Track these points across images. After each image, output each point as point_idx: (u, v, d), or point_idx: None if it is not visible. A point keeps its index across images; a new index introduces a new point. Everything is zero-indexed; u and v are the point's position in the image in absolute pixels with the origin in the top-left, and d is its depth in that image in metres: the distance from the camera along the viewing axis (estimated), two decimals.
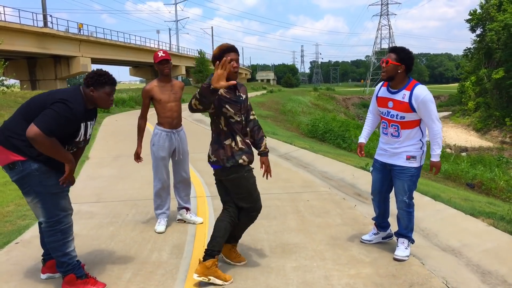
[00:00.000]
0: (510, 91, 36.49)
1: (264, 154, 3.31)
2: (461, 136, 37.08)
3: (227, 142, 3.10)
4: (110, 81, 2.93)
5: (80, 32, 36.84)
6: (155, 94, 4.19)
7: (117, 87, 3.13)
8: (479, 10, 42.61)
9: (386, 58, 3.40)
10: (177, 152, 4.37)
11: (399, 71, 3.35)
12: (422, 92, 3.30)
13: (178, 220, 4.58)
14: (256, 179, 3.27)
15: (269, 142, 11.17)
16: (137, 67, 57.06)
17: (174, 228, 4.38)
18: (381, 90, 3.58)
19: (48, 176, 2.85)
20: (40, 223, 3.07)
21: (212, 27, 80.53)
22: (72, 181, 2.97)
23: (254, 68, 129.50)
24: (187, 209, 4.54)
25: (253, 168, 3.24)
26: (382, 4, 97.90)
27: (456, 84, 61.87)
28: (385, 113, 3.51)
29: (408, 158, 3.44)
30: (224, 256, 3.43)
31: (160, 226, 4.30)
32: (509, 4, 38.17)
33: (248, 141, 3.22)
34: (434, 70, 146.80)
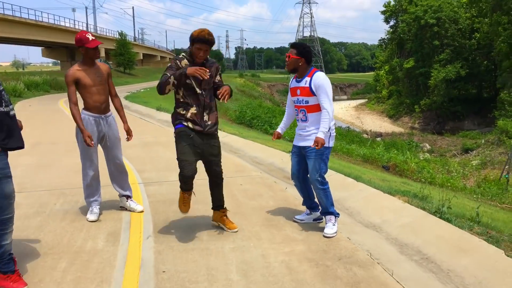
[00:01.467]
0: (419, 80, 39.68)
1: (223, 85, 3.70)
2: (376, 122, 39.75)
3: (179, 109, 3.61)
4: None
5: None
6: (81, 78, 4.00)
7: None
8: (392, 2, 45.49)
9: (288, 53, 3.84)
10: (107, 138, 4.23)
11: (300, 64, 3.80)
12: (319, 76, 3.75)
13: (120, 207, 4.49)
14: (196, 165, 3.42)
15: None
16: (50, 48, 53.05)
17: (108, 216, 4.29)
18: (292, 81, 3.98)
19: None
20: None
21: (133, 8, 77.20)
22: None
23: (178, 52, 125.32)
24: (127, 196, 4.45)
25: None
26: None
27: (372, 73, 65.83)
28: (296, 100, 3.91)
29: None
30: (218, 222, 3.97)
31: (93, 214, 4.19)
32: None
33: (204, 116, 3.63)
34: (352, 59, 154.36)
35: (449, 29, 36.83)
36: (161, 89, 3.49)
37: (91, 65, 4.08)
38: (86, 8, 68.93)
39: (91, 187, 4.24)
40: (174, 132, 3.67)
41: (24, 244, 3.57)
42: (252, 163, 7.09)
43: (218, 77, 3.74)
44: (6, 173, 2.73)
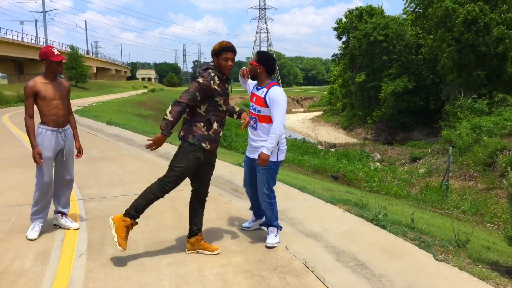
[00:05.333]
0: (370, 93, 41.07)
1: (243, 111, 3.77)
2: (331, 133, 40.67)
3: (199, 124, 3.45)
4: None
5: None
6: (40, 91, 3.91)
7: None
8: (344, 20, 47.15)
9: (251, 59, 3.88)
10: (64, 152, 4.11)
11: (258, 71, 3.81)
12: (275, 91, 3.74)
13: (54, 225, 4.29)
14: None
15: None
16: None
17: (40, 235, 4.09)
18: (254, 87, 3.98)
19: None
20: None
21: (85, 21, 75.40)
22: None
23: (135, 66, 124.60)
24: (64, 214, 4.28)
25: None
26: (260, 8, 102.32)
27: (327, 86, 67.58)
28: (251, 106, 3.93)
29: None
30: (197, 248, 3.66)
31: (34, 232, 3.99)
32: (368, 16, 43.00)
33: (220, 133, 3.58)
34: (308, 72, 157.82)
35: (396, 45, 38.55)
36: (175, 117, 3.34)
37: (52, 79, 4.03)
38: (36, 21, 66.43)
39: (41, 203, 4.06)
40: (187, 144, 3.45)
41: None
42: None
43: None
44: None
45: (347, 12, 46.97)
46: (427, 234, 4.13)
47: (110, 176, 6.82)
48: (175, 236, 4.07)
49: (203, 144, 3.45)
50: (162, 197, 3.55)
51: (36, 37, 55.89)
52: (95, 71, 72.19)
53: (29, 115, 3.94)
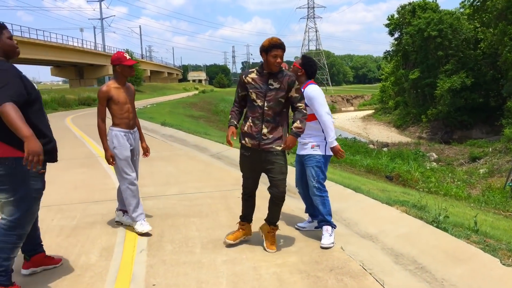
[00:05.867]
0: (425, 91, 39.59)
1: (291, 133, 3.54)
2: (383, 132, 39.57)
3: (244, 122, 3.63)
4: (2, 25, 2.86)
5: None
6: (114, 96, 4.11)
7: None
8: (396, 15, 45.75)
9: (296, 61, 4.05)
10: (134, 153, 4.34)
11: (299, 74, 3.93)
12: (310, 88, 3.86)
13: (116, 221, 4.50)
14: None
15: (202, 142, 11.20)
16: (59, 67, 53.97)
17: (102, 231, 4.30)
18: None
19: (36, 179, 2.83)
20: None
21: (140, 26, 78.52)
22: (39, 161, 2.59)
23: (186, 69, 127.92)
24: (126, 211, 4.45)
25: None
26: (308, 8, 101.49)
27: (378, 84, 65.83)
28: None
29: (313, 147, 3.91)
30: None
31: (146, 225, 4.19)
32: (421, 11, 41.40)
33: (259, 128, 3.52)
34: (358, 71, 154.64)
35: (452, 40, 36.85)
36: None
37: (123, 84, 4.23)
38: (94, 28, 70.37)
39: (136, 198, 4.23)
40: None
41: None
42: None
43: (293, 92, 3.53)
44: (41, 194, 2.94)
45: (400, 8, 45.61)
46: (492, 238, 3.91)
47: (166, 176, 7.03)
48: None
49: (243, 141, 3.61)
50: (245, 198, 3.88)
51: (95, 43, 58.98)
52: (149, 74, 74.95)
53: (101, 119, 4.13)
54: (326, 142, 3.90)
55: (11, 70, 2.74)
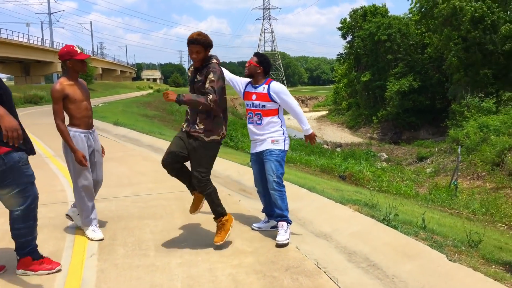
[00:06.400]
0: (376, 92, 40.96)
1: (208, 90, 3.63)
2: (337, 133, 40.56)
3: None
4: None
5: None
6: (69, 93, 3.80)
7: None
8: (348, 19, 47.05)
9: (250, 60, 4.11)
10: (95, 153, 4.09)
11: (258, 71, 4.06)
12: (277, 85, 4.04)
13: (66, 215, 4.27)
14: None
15: (156, 142, 10.98)
16: (3, 63, 51.02)
17: (50, 235, 4.09)
18: (247, 86, 4.17)
19: (28, 165, 3.04)
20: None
21: (91, 22, 75.88)
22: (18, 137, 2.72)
23: (140, 67, 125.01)
24: None
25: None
26: (264, 9, 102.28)
27: (331, 86, 67.41)
28: (250, 104, 4.08)
29: (273, 142, 3.99)
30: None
31: (99, 232, 4.01)
32: (372, 15, 42.89)
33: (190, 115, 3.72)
34: (313, 72, 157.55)
35: (401, 45, 38.42)
36: None
37: (76, 80, 3.93)
38: (42, 23, 66.79)
39: (91, 202, 4.03)
40: None
41: None
42: None
43: (207, 83, 3.50)
44: (34, 178, 3.16)
45: (352, 12, 46.89)
46: (439, 234, 4.10)
47: (119, 177, 6.82)
48: (184, 237, 4.06)
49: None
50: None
51: (42, 38, 56.16)
52: (100, 72, 72.50)
53: (61, 120, 3.80)
54: (285, 138, 4.04)
55: None
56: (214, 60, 3.62)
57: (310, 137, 4.21)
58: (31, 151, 3.13)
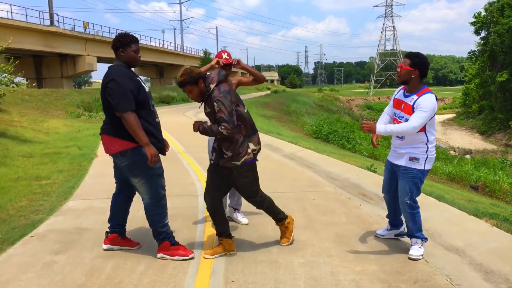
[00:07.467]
0: None
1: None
2: (465, 138, 37.06)
3: None
4: (134, 39, 3.40)
5: (85, 31, 36.95)
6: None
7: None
8: (483, 13, 42.59)
9: (401, 63, 3.50)
10: None
11: (412, 76, 3.42)
12: (425, 99, 3.36)
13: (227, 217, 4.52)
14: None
15: (274, 142, 11.27)
16: (142, 67, 57.23)
17: (183, 224, 4.48)
18: (399, 92, 3.66)
19: None
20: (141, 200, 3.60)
21: (216, 27, 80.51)
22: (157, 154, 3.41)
23: (258, 69, 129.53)
24: (237, 209, 4.62)
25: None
26: (386, 6, 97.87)
27: (460, 87, 61.76)
28: (396, 114, 3.62)
29: (411, 159, 3.50)
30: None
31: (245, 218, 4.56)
32: (511, 9, 38.14)
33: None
34: (438, 72, 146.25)
35: None
36: None
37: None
38: (174, 29, 73.80)
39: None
40: None
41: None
42: (326, 178, 6.98)
43: (216, 114, 3.41)
44: (163, 170, 3.58)
45: (487, 5, 42.31)
46: None
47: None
48: (305, 237, 4.09)
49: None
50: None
51: (175, 43, 61.70)
52: None
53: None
54: (427, 156, 3.48)
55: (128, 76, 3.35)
56: (212, 86, 3.40)
57: (372, 127, 3.36)
58: (160, 151, 3.53)
